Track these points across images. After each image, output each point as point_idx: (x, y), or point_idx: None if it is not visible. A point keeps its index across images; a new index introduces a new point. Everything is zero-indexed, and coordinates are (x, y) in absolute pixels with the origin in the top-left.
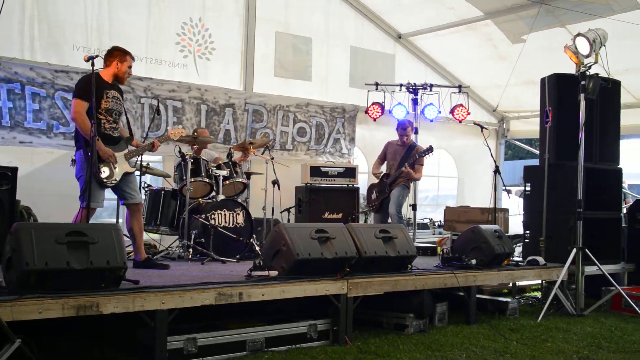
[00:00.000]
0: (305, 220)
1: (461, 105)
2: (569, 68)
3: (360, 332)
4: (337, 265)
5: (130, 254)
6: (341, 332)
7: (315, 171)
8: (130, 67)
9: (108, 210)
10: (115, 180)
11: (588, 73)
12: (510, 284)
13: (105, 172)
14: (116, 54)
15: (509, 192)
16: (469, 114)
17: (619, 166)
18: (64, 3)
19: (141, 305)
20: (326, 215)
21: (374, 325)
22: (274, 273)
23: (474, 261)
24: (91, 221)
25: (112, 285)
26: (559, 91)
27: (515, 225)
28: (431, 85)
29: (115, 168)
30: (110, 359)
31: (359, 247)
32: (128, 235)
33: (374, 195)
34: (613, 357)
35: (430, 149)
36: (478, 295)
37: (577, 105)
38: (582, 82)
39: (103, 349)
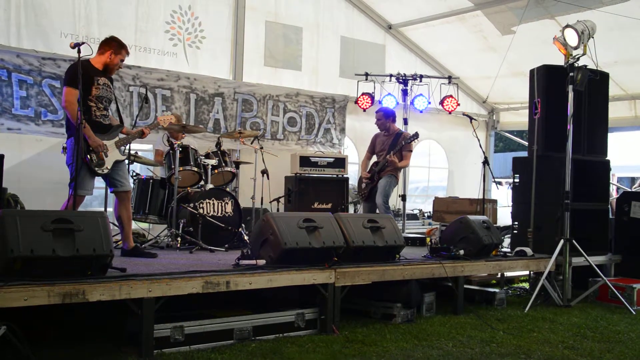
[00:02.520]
0: (294, 210)
1: (451, 96)
2: (558, 60)
3: (347, 322)
4: (324, 255)
5: (118, 243)
6: (329, 321)
7: (305, 161)
8: (122, 60)
9: (98, 199)
10: (107, 168)
11: (576, 65)
12: (499, 275)
13: (96, 160)
14: (113, 45)
15: (499, 183)
16: (458, 105)
17: (607, 158)
18: None
19: (128, 293)
20: (315, 205)
21: (362, 314)
22: (261, 262)
23: (462, 252)
24: (80, 209)
25: (99, 273)
26: (548, 83)
27: (504, 217)
28: (421, 76)
29: (106, 156)
30: (98, 347)
31: (347, 237)
32: (116, 223)
33: (363, 185)
34: (597, 346)
35: (416, 135)
36: (466, 286)
37: (565, 97)
38: (571, 74)
39: (90, 338)
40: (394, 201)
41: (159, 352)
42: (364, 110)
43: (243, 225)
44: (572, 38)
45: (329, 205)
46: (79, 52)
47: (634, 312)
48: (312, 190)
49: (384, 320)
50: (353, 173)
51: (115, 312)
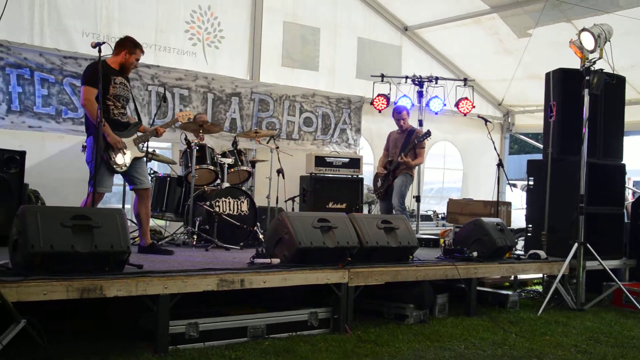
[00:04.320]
0: (309, 209)
1: (466, 98)
2: (574, 63)
3: (360, 321)
4: (338, 255)
5: (136, 239)
6: (342, 321)
7: (320, 161)
8: (137, 59)
9: (117, 195)
10: (125, 166)
11: (593, 68)
12: (512, 277)
13: (115, 158)
14: (127, 45)
15: (513, 186)
16: (473, 107)
17: (623, 162)
18: None
19: (144, 290)
20: (330, 205)
21: (375, 314)
22: (276, 261)
23: (475, 253)
24: (99, 206)
25: (116, 269)
26: (564, 86)
27: (519, 219)
28: (437, 78)
29: (125, 154)
30: (113, 343)
31: (361, 237)
32: (134, 220)
33: (379, 183)
34: (611, 351)
35: (428, 133)
36: (479, 288)
37: (581, 100)
38: (587, 78)
39: (105, 333)
40: (408, 202)
41: (174, 348)
42: (380, 111)
43: (258, 224)
44: (588, 42)
45: (344, 205)
46: (99, 51)
47: None
48: (327, 190)
49: (396, 320)
50: (368, 173)
51: (131, 308)
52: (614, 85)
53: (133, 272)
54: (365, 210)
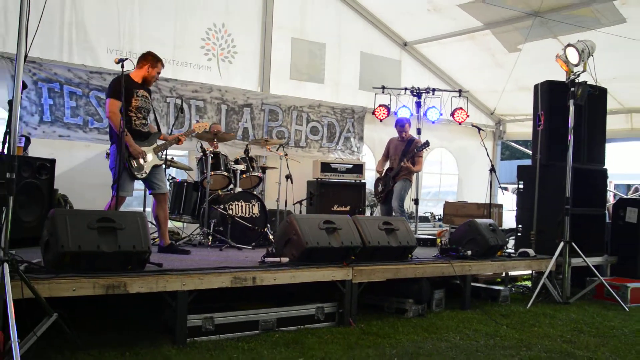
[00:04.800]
0: (315, 212)
1: (461, 108)
2: (560, 76)
3: (363, 315)
4: (343, 254)
5: (155, 240)
6: (346, 315)
7: (326, 167)
8: (159, 73)
9: (138, 199)
10: (145, 173)
11: (577, 81)
12: (503, 274)
13: (135, 165)
14: (149, 59)
15: (505, 189)
16: (468, 116)
17: (605, 167)
18: (99, 10)
19: (164, 286)
20: (335, 207)
21: (377, 309)
22: (285, 260)
23: (469, 252)
24: (121, 209)
25: (138, 268)
26: (551, 97)
27: (509, 220)
28: (433, 90)
29: (145, 162)
30: (135, 336)
31: (364, 238)
32: (154, 222)
33: (379, 188)
34: (593, 341)
35: (427, 144)
36: (473, 284)
37: (567, 110)
38: (572, 89)
39: (128, 327)
40: (407, 204)
41: (192, 340)
42: (381, 120)
43: (268, 225)
44: (573, 56)
45: (347, 208)
46: (122, 66)
47: (627, 309)
48: (332, 193)
49: (397, 314)
50: (370, 178)
51: (152, 304)
52: (597, 96)
53: (153, 270)
54: (368, 212)
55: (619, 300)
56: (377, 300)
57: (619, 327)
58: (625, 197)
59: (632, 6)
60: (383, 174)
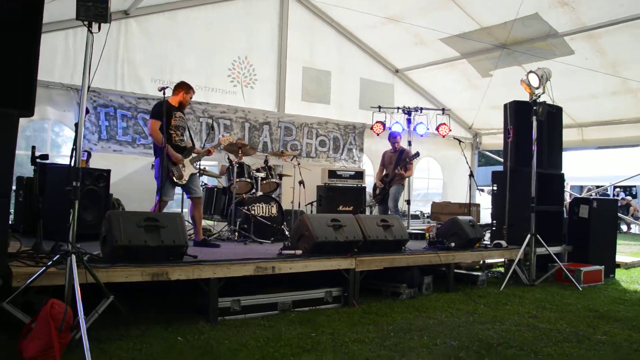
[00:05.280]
0: (324, 212)
1: (444, 123)
2: (525, 96)
3: (365, 298)
4: (347, 247)
5: (191, 236)
6: (350, 298)
7: (332, 174)
8: (191, 97)
9: (177, 202)
10: (185, 180)
11: (538, 101)
12: (481, 262)
13: (176, 173)
14: (183, 87)
15: (481, 191)
16: (450, 130)
17: (562, 172)
18: (146, 48)
19: (198, 274)
20: (340, 208)
21: (376, 292)
22: (299, 252)
23: (453, 244)
24: (164, 211)
25: (177, 259)
26: (517, 114)
27: (486, 217)
28: (421, 108)
29: (184, 171)
30: (176, 316)
31: (365, 233)
32: (190, 221)
33: (377, 191)
34: (553, 315)
35: (417, 154)
36: (456, 270)
37: (530, 125)
38: (534, 108)
39: (170, 309)
40: (401, 204)
41: (222, 319)
42: (378, 134)
43: (285, 223)
44: (534, 80)
45: (351, 208)
46: (164, 93)
47: (580, 289)
48: (337, 196)
49: (392, 297)
50: (369, 183)
51: (188, 290)
52: (554, 113)
53: (190, 261)
54: (367, 212)
55: (574, 281)
56: (376, 285)
57: (574, 303)
58: (579, 196)
59: (578, 41)
60: (381, 179)
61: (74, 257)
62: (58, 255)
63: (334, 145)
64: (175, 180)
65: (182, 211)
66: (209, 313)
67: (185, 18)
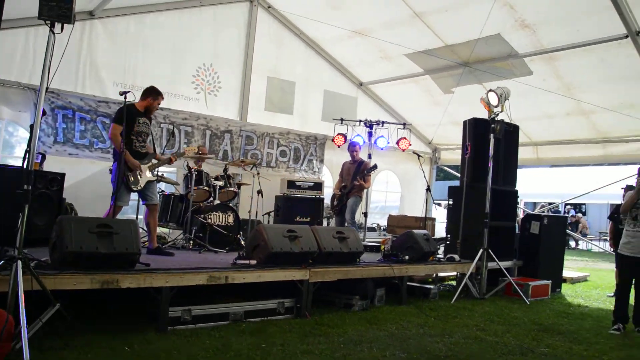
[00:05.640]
0: (281, 222)
1: (405, 138)
2: (484, 114)
3: (317, 309)
4: (302, 258)
5: (145, 243)
6: (303, 309)
7: (291, 184)
8: (159, 104)
9: (132, 208)
10: (141, 186)
11: (496, 119)
12: (434, 275)
13: (132, 179)
14: (152, 93)
15: (438, 205)
16: (410, 145)
17: (516, 188)
18: (109, 51)
19: (150, 283)
20: (297, 218)
21: (329, 304)
22: (253, 262)
23: (407, 257)
24: (118, 216)
25: (129, 267)
26: (476, 131)
27: (442, 231)
28: (383, 122)
29: (140, 177)
30: (125, 324)
31: (320, 244)
32: (145, 228)
33: (335, 202)
34: (500, 328)
35: (375, 167)
36: (409, 283)
37: (488, 142)
38: (492, 125)
39: (119, 317)
40: (358, 217)
41: (172, 328)
42: (339, 146)
43: (241, 232)
44: (493, 99)
45: (308, 219)
46: (125, 98)
47: (528, 303)
48: (295, 207)
49: (345, 308)
50: (328, 194)
51: (139, 298)
52: (511, 131)
53: (142, 269)
54: (325, 223)
55: (522, 295)
56: (329, 297)
57: (521, 317)
58: (531, 212)
59: (537, 63)
60: (339, 191)
61: (19, 263)
62: (3, 261)
63: (294, 155)
64: (131, 186)
65: (137, 218)
66: (159, 322)
67: (152, 22)
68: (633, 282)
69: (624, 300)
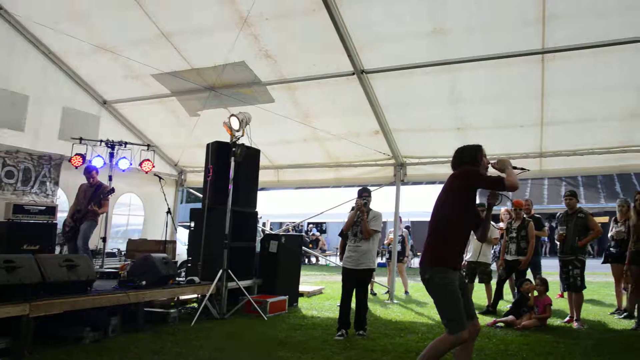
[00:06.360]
0: (4, 251)
1: (148, 159)
2: (228, 138)
3: (42, 346)
4: (22, 290)
5: None
6: (22, 348)
7: (19, 209)
8: None
9: None
10: None
11: (238, 142)
12: (176, 299)
13: None
14: None
15: (181, 227)
16: (154, 166)
17: (256, 210)
18: None
19: None
20: (25, 246)
21: (57, 339)
22: None
23: (144, 282)
24: None
25: None
26: (218, 154)
27: (184, 253)
28: (125, 143)
29: None
30: None
31: (44, 274)
32: None
33: (67, 228)
34: (238, 345)
35: (112, 190)
36: (147, 309)
37: (229, 164)
38: (233, 149)
39: None
40: (97, 242)
41: None
42: (76, 167)
43: None
44: (235, 123)
45: (37, 247)
46: None
47: (266, 319)
48: (23, 233)
49: (75, 342)
50: (62, 219)
51: None
52: (253, 154)
53: None
54: (57, 250)
55: (260, 312)
56: (57, 331)
57: (260, 332)
58: (269, 232)
59: (278, 91)
60: (72, 215)
61: None
62: None
63: (24, 177)
64: None
65: None
66: None
67: None
68: (354, 291)
69: (346, 308)
